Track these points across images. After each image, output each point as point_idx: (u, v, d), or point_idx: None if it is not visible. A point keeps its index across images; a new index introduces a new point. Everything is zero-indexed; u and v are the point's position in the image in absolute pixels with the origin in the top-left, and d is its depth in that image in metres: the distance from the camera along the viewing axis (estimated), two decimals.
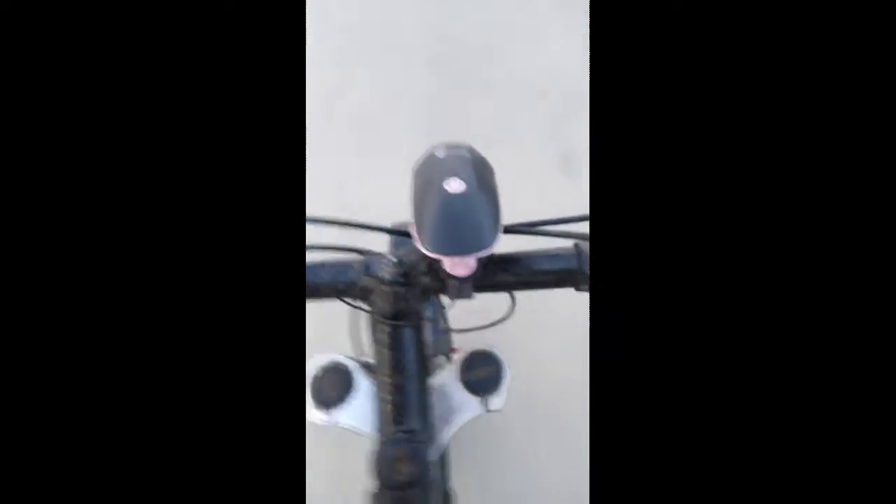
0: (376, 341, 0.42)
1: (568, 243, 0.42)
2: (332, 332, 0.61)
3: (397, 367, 0.40)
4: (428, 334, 0.68)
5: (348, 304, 0.44)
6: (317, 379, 0.48)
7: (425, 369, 0.42)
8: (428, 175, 0.39)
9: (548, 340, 1.17)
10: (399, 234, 0.45)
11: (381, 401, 0.41)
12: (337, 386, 0.47)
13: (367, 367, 0.49)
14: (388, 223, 0.46)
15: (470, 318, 0.64)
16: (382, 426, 0.41)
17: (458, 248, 0.36)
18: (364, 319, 0.50)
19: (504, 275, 0.41)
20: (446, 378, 0.48)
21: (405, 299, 0.40)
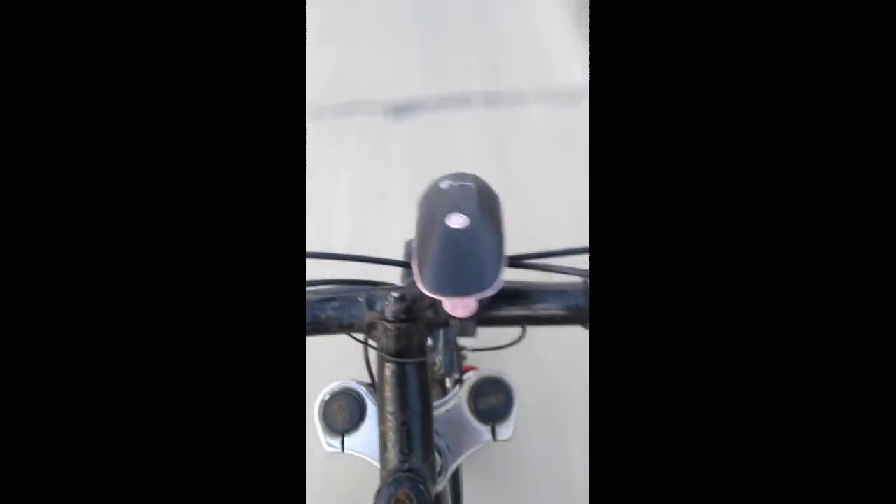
0: (380, 378, 0.42)
1: (577, 279, 0.41)
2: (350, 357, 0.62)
3: (401, 404, 0.40)
4: (438, 356, 0.67)
5: (355, 339, 0.45)
6: (325, 404, 0.48)
7: (429, 405, 0.41)
8: (431, 208, 0.39)
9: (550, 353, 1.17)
10: (405, 266, 0.45)
11: (382, 436, 0.41)
12: (347, 412, 0.47)
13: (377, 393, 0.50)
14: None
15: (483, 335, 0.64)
16: (385, 463, 0.40)
17: (457, 289, 0.35)
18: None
19: (510, 309, 0.40)
20: (454, 406, 0.48)
21: (408, 335, 0.39)
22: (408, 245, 0.90)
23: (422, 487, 0.37)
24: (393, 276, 0.71)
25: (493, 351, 0.62)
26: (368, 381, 0.50)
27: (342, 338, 0.44)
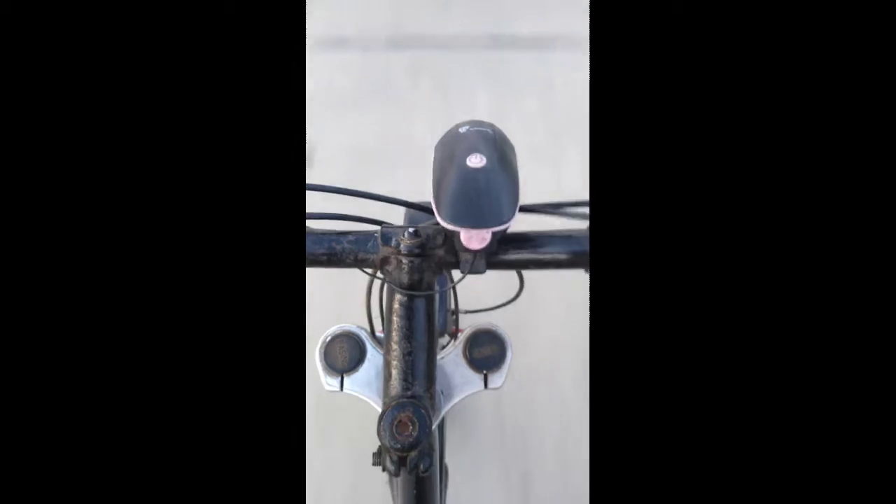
0: (389, 310, 0.44)
1: (582, 224, 0.44)
2: (349, 305, 0.64)
3: (407, 335, 0.43)
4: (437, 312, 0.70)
5: (366, 273, 0.47)
6: (327, 345, 0.50)
7: (433, 340, 0.44)
8: (450, 150, 0.41)
9: (547, 319, 1.20)
10: (418, 208, 0.47)
11: (387, 365, 0.44)
12: (347, 353, 0.49)
13: (377, 339, 0.52)
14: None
15: (477, 300, 0.66)
16: (388, 391, 0.43)
17: (474, 221, 0.37)
18: (376, 292, 0.52)
19: (516, 253, 0.43)
20: (450, 353, 0.50)
21: (420, 270, 0.42)
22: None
23: (423, 412, 0.39)
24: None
25: (487, 312, 0.65)
26: (368, 328, 0.53)
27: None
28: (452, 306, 0.70)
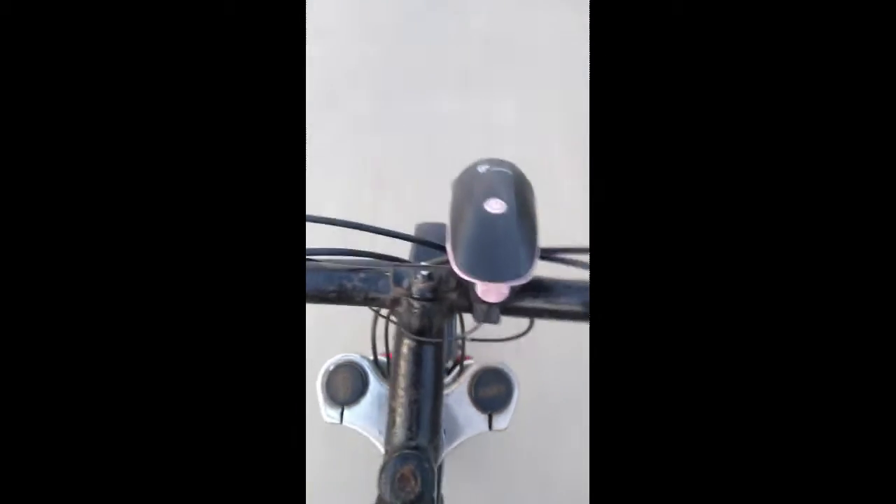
0: (396, 353, 0.42)
1: None
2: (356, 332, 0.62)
3: (415, 382, 0.41)
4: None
5: (377, 313, 0.45)
6: (329, 374, 0.49)
7: (441, 387, 0.42)
8: (467, 190, 0.39)
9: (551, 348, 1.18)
10: (433, 246, 0.45)
11: (392, 412, 0.42)
12: (350, 384, 0.48)
13: (380, 368, 0.50)
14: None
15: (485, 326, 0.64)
16: (391, 438, 0.41)
17: (492, 274, 0.35)
18: (383, 323, 0.50)
19: (533, 301, 0.40)
20: (455, 392, 0.48)
21: (430, 315, 0.40)
22: (418, 227, 0.90)
23: (426, 466, 0.38)
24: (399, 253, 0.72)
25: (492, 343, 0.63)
26: (372, 357, 0.51)
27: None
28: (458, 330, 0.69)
